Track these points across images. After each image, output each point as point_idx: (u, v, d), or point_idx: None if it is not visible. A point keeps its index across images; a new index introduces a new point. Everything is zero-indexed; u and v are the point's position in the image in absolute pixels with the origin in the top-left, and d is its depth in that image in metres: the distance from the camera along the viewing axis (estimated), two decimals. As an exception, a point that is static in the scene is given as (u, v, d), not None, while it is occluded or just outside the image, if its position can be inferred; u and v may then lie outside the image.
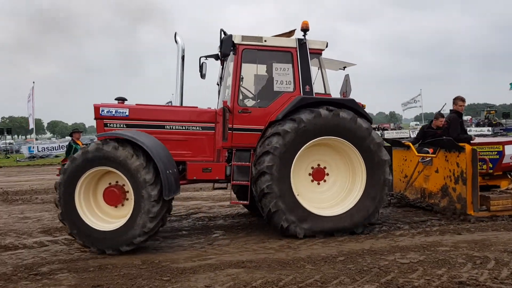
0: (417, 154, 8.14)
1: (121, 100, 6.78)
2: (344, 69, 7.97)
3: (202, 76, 7.45)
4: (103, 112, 6.56)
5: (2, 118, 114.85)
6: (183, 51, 7.15)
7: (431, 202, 8.00)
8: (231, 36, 6.50)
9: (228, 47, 6.45)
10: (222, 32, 6.67)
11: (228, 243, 6.27)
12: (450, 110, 8.30)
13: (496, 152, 7.93)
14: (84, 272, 5.12)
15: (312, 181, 6.66)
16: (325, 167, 6.70)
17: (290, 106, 6.39)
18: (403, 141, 9.28)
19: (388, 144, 9.20)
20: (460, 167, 7.15)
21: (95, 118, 6.57)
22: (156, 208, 5.63)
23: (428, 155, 7.99)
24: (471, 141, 7.90)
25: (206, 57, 7.36)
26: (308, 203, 6.42)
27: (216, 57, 7.47)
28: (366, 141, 6.39)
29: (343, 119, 6.31)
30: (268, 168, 6.11)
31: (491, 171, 7.85)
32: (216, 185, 7.36)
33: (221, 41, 6.55)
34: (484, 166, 7.64)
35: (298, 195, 6.30)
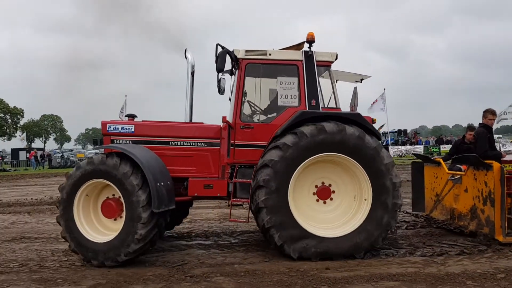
0: (447, 171, 7.56)
1: (131, 116, 6.99)
2: (361, 82, 7.73)
3: (220, 91, 7.46)
4: (110, 129, 6.73)
5: (86, 129, 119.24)
6: (192, 67, 7.22)
7: (460, 224, 7.33)
8: (226, 51, 6.43)
9: (222, 62, 6.37)
10: (219, 47, 6.58)
11: (369, 255, 6.19)
12: (479, 123, 7.75)
13: None
14: (236, 276, 5.42)
15: (318, 200, 6.39)
16: (330, 185, 6.42)
17: (290, 121, 6.22)
18: (433, 157, 8.70)
19: (420, 160, 8.74)
20: (488, 187, 6.51)
21: (103, 134, 6.77)
22: (146, 213, 5.68)
23: (457, 172, 7.36)
24: (502, 158, 7.33)
25: (223, 72, 7.29)
26: (309, 222, 6.18)
27: (230, 72, 7.44)
28: (374, 160, 6.04)
29: (350, 135, 6.01)
30: (265, 182, 5.93)
31: None
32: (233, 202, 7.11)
33: (216, 56, 6.48)
34: None
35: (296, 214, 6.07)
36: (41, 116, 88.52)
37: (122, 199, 5.87)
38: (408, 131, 50.38)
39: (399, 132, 45.35)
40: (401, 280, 5.15)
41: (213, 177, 6.64)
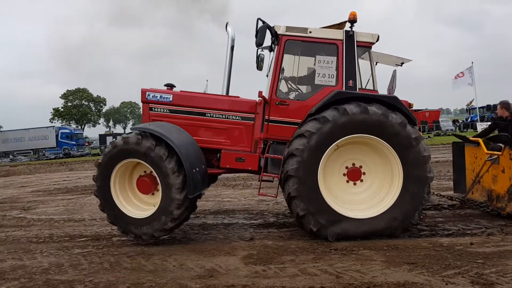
0: (485, 151, 7.18)
1: (170, 86, 7.09)
2: (401, 65, 7.47)
3: (259, 67, 7.47)
4: (149, 97, 6.93)
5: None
6: (232, 41, 7.23)
7: (498, 206, 6.98)
8: (266, 26, 6.39)
9: (262, 37, 6.32)
10: (259, 21, 6.52)
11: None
12: None
13: None
14: (381, 250, 5.55)
15: (348, 181, 6.31)
16: (361, 167, 6.31)
17: (325, 99, 6.14)
18: (471, 137, 8.20)
19: (460, 140, 8.37)
20: None
21: (142, 102, 6.99)
22: (181, 195, 5.86)
23: (494, 152, 6.99)
24: None
25: (262, 48, 7.30)
26: (342, 205, 6.13)
27: (269, 48, 7.41)
28: (399, 136, 5.90)
29: (372, 114, 5.87)
30: (293, 171, 5.93)
31: None
32: (264, 178, 7.07)
33: (257, 30, 6.43)
34: None
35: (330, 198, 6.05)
36: (121, 103, 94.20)
37: (156, 176, 6.03)
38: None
39: (488, 107, 42.31)
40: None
41: (245, 151, 6.73)
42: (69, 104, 78.80)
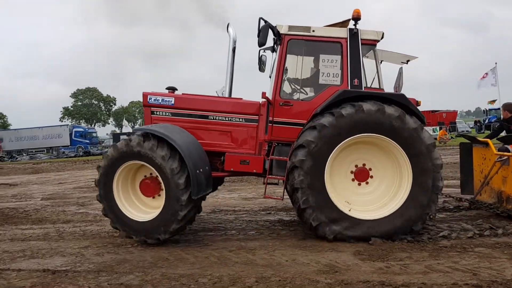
0: (495, 152, 7.02)
1: (172, 89, 6.97)
2: (407, 63, 7.31)
3: (261, 69, 7.32)
4: (150, 100, 6.79)
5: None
6: (234, 42, 7.05)
7: (508, 207, 6.76)
8: (268, 25, 6.26)
9: (264, 37, 6.17)
10: (261, 21, 6.38)
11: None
12: None
13: None
14: (494, 248, 5.42)
15: (353, 180, 6.17)
16: (370, 168, 6.16)
17: (331, 99, 5.99)
18: (480, 138, 8.03)
19: (468, 141, 8.18)
20: None
21: (143, 105, 6.85)
22: (185, 196, 5.72)
23: (505, 153, 6.84)
24: None
25: (264, 49, 7.15)
26: (346, 204, 6.01)
27: (271, 49, 7.27)
28: (414, 142, 5.75)
29: (389, 115, 5.73)
30: (300, 163, 5.79)
31: None
32: (269, 180, 6.89)
33: (259, 30, 6.29)
34: None
35: (334, 196, 5.92)
36: (129, 103, 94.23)
37: (159, 178, 5.90)
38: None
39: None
40: None
41: (250, 153, 6.60)
42: (79, 103, 78.94)
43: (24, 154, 44.13)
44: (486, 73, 29.93)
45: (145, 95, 6.86)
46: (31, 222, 8.25)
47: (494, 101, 37.61)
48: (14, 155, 42.58)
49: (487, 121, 43.09)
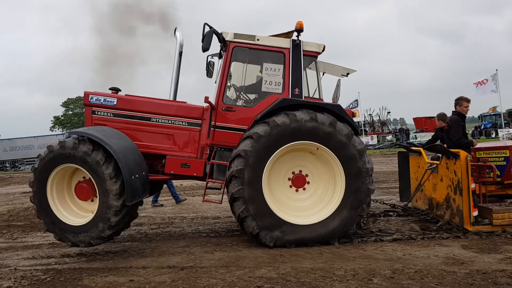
0: (426, 160, 7.33)
1: (115, 90, 6.93)
2: (347, 76, 7.64)
3: (208, 74, 7.41)
4: (92, 100, 6.71)
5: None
6: (181, 46, 7.14)
7: (438, 213, 7.14)
8: (212, 31, 6.38)
9: (208, 42, 6.28)
10: (206, 26, 6.49)
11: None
12: (453, 111, 7.42)
13: (503, 158, 7.10)
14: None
15: (291, 186, 6.37)
16: (307, 175, 6.38)
17: (271, 107, 6.20)
18: (413, 148, 8.48)
19: (404, 150, 8.64)
20: (457, 176, 6.40)
21: (84, 105, 6.77)
22: (119, 202, 5.69)
23: (433, 161, 7.19)
24: (473, 147, 7.21)
25: (212, 55, 7.27)
26: (284, 210, 6.18)
27: (219, 55, 7.39)
28: (345, 147, 6.02)
29: (321, 123, 5.98)
30: (238, 172, 5.93)
31: (499, 179, 7.01)
32: (210, 185, 6.87)
33: (203, 35, 6.40)
34: (491, 174, 6.83)
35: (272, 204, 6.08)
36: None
37: (94, 182, 5.81)
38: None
39: (510, 113, 42.95)
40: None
41: (191, 157, 6.65)
42: (70, 112, 77.82)
43: (19, 164, 43.25)
44: (486, 79, 30.60)
45: (86, 94, 6.76)
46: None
47: (495, 107, 38.56)
48: (16, 164, 41.79)
49: (482, 126, 44.18)
